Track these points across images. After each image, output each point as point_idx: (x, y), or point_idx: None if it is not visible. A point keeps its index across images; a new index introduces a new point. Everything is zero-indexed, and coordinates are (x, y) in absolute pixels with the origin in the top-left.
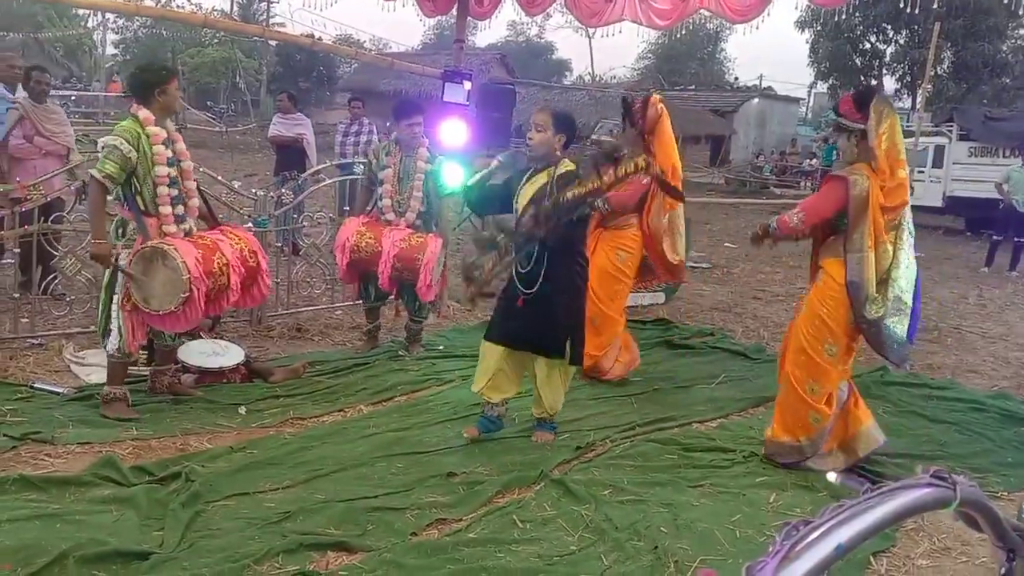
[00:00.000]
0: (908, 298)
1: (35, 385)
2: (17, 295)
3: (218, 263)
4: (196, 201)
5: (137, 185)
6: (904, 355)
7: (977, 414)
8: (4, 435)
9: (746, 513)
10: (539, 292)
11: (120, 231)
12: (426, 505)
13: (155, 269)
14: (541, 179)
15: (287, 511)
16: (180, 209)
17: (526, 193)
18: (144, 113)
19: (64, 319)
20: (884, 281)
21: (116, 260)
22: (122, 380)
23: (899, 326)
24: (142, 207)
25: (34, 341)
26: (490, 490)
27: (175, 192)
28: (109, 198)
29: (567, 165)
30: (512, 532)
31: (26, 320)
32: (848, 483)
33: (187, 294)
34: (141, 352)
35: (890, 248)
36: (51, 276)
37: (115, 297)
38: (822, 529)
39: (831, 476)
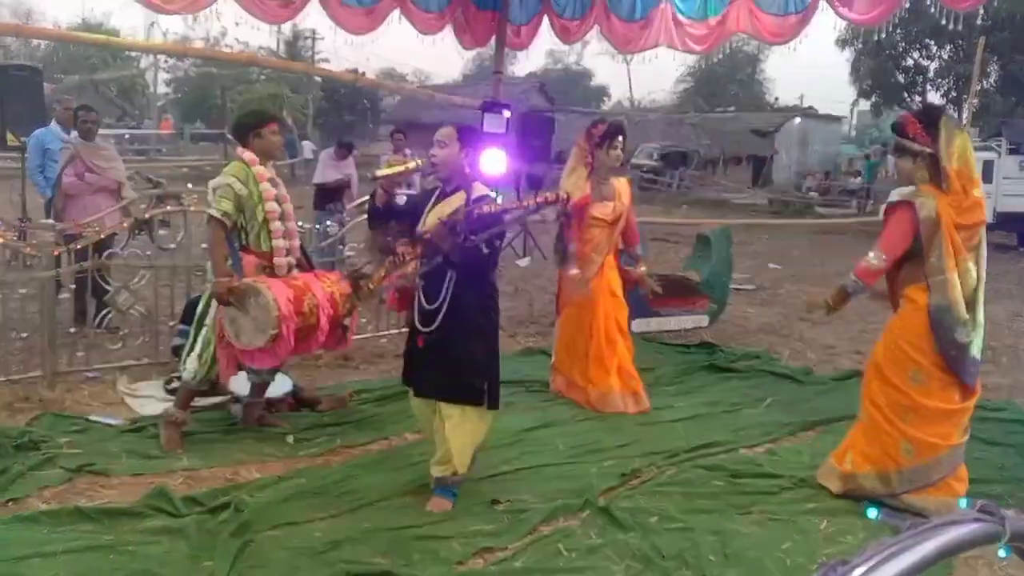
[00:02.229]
0: (983, 317)
1: (90, 417)
2: (73, 330)
3: (308, 304)
4: (297, 242)
5: (242, 221)
6: (976, 375)
7: None
8: (60, 467)
9: (796, 541)
10: (443, 331)
11: None
12: (471, 534)
13: (248, 305)
14: (454, 202)
15: (334, 540)
16: (287, 244)
17: (432, 219)
18: (249, 155)
19: (118, 352)
20: (972, 303)
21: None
22: (187, 405)
23: (976, 348)
24: (242, 243)
25: (89, 374)
26: (535, 518)
27: (284, 228)
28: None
29: (481, 189)
30: (558, 561)
31: (82, 354)
32: (889, 520)
33: (276, 331)
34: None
35: (973, 269)
36: (105, 311)
37: (204, 328)
38: (860, 571)
39: (871, 513)
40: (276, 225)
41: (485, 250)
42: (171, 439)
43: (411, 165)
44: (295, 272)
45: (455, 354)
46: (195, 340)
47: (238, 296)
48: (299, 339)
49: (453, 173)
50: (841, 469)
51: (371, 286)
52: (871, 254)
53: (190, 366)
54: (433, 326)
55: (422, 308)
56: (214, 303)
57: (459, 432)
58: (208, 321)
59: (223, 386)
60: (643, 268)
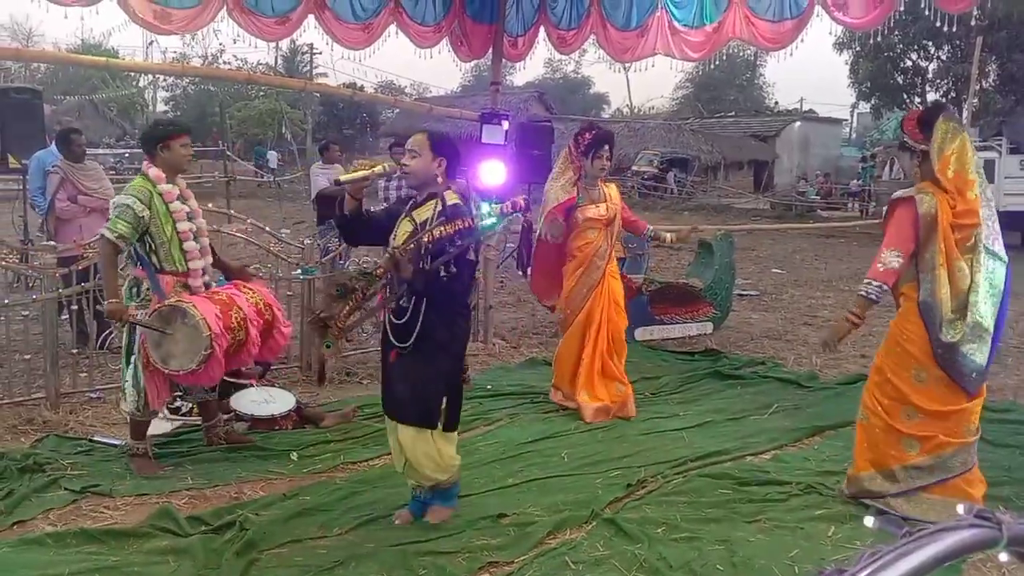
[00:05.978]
0: (989, 324)
1: (94, 438)
2: (76, 350)
3: (236, 317)
4: (210, 258)
5: (151, 243)
6: (979, 384)
7: None
8: (65, 489)
9: (804, 548)
10: (415, 347)
11: (134, 291)
12: (477, 548)
13: (174, 328)
14: (424, 213)
15: (339, 559)
16: (203, 263)
17: (404, 228)
18: (154, 171)
19: (120, 372)
20: (962, 305)
21: (134, 318)
22: (143, 435)
23: (978, 354)
24: (157, 266)
25: (93, 395)
26: (541, 531)
27: (198, 246)
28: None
29: (454, 197)
30: (564, 574)
31: (85, 374)
32: (886, 527)
33: (209, 351)
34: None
35: (967, 270)
36: (107, 331)
37: (132, 359)
38: None
39: (868, 520)
40: (190, 245)
41: (443, 274)
42: (142, 467)
43: (377, 169)
44: (214, 286)
45: (417, 374)
46: (127, 370)
47: (163, 318)
48: (229, 355)
49: (425, 182)
50: (848, 473)
51: (339, 325)
52: (884, 253)
53: (130, 398)
54: (408, 342)
55: (393, 324)
56: (136, 331)
57: (414, 452)
58: (136, 349)
59: (214, 407)
60: (669, 235)
